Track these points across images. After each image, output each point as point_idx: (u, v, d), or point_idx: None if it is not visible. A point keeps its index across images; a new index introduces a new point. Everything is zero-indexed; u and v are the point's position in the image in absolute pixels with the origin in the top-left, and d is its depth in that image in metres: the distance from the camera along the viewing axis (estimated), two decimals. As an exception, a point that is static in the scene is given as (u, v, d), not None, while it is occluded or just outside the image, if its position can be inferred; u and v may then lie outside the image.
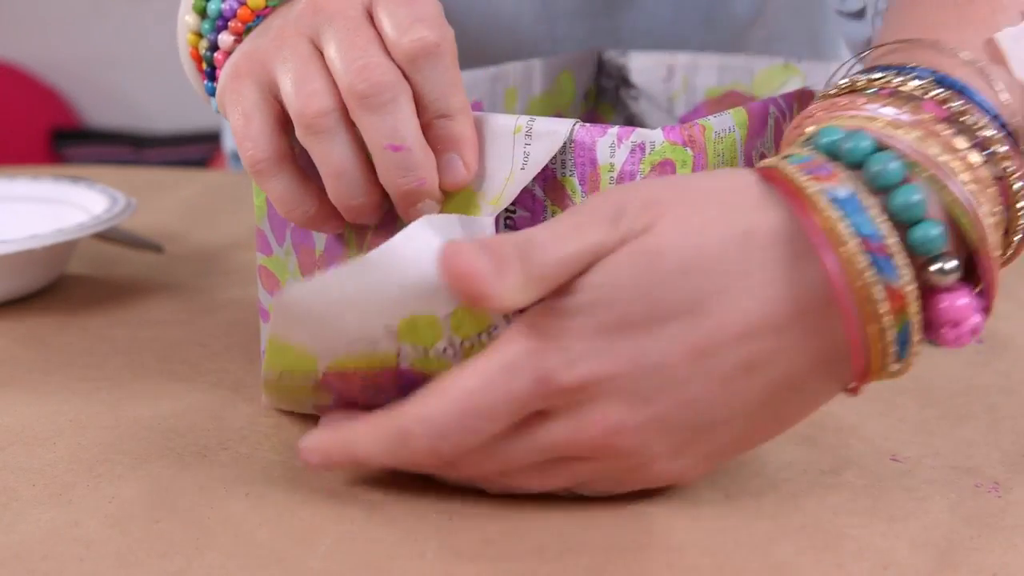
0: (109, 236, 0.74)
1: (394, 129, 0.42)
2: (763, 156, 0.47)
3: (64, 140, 2.61)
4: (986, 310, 0.39)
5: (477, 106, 0.59)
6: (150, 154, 2.61)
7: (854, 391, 0.40)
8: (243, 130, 0.44)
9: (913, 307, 0.37)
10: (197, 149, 2.60)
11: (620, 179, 0.42)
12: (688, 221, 0.38)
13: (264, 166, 0.44)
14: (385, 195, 0.44)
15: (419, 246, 0.40)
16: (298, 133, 0.43)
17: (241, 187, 0.93)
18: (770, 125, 0.48)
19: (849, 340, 0.38)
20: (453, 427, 0.39)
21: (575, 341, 0.38)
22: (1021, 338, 0.60)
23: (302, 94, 0.42)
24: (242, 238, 0.79)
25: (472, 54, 0.79)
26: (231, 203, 0.89)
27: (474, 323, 0.41)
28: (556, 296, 0.38)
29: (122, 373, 0.55)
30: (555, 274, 0.38)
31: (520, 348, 0.38)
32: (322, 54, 0.43)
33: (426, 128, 0.43)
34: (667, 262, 0.38)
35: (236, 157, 1.02)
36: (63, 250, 0.66)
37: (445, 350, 0.42)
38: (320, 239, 0.48)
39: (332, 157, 0.43)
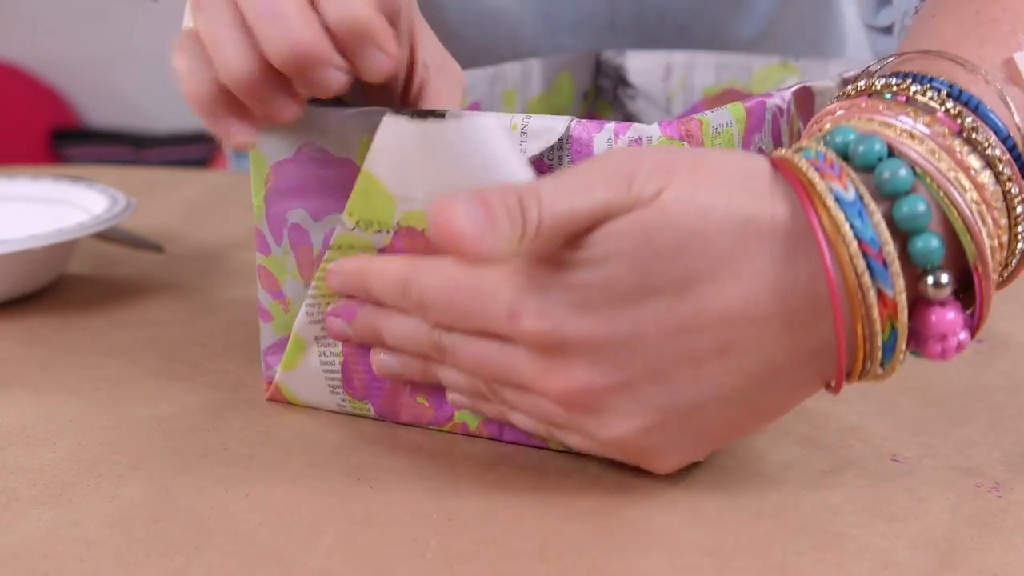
0: (109, 236, 0.74)
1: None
2: (760, 151, 0.47)
3: (64, 140, 2.61)
4: (974, 329, 0.40)
5: (475, 106, 0.59)
6: (150, 154, 2.61)
7: (835, 390, 0.40)
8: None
9: (903, 316, 0.38)
10: (197, 149, 2.60)
11: None
12: (695, 198, 0.38)
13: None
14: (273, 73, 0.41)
15: (490, 135, 0.41)
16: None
17: (241, 187, 0.93)
18: (768, 120, 0.48)
19: (836, 340, 0.38)
20: (440, 305, 0.42)
21: (555, 294, 0.39)
22: (1021, 338, 0.60)
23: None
24: (242, 238, 0.79)
25: (469, 61, 0.79)
26: (231, 203, 0.89)
27: None
28: (557, 246, 0.39)
29: (122, 373, 0.55)
30: (557, 226, 0.38)
31: (508, 278, 0.40)
32: None
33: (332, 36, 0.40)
34: (667, 238, 0.38)
35: (238, 156, 1.02)
36: (63, 250, 0.66)
37: None
38: (317, 238, 0.48)
39: (210, 27, 0.41)
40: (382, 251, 0.45)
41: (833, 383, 0.40)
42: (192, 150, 2.60)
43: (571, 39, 0.80)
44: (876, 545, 0.40)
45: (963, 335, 0.39)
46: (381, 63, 0.41)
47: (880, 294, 0.37)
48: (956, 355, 0.39)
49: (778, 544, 0.40)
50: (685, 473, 0.45)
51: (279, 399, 0.51)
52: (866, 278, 0.37)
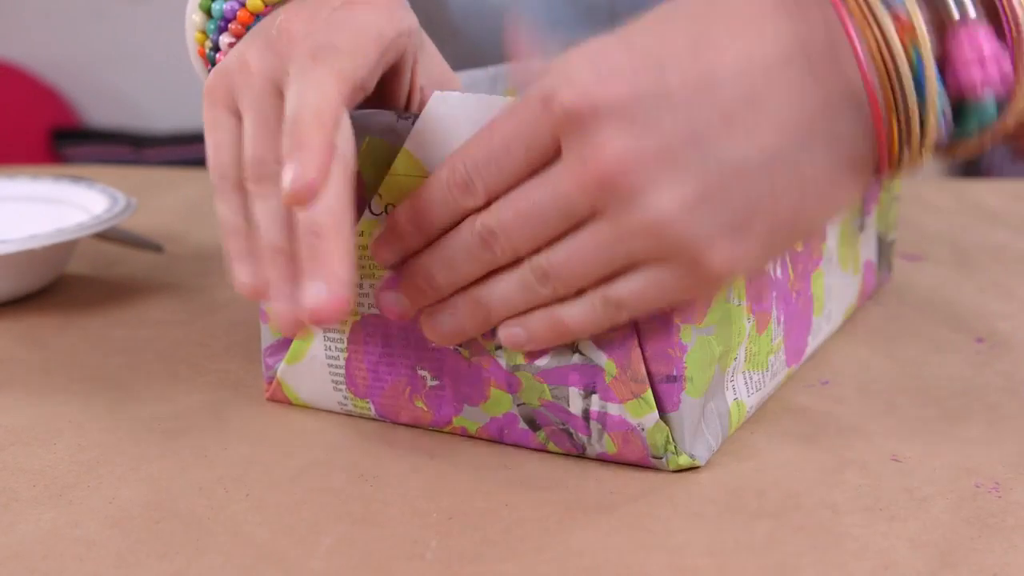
0: (109, 236, 0.74)
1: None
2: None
3: (64, 140, 2.61)
4: (1014, 59, 0.39)
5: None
6: (150, 154, 2.61)
7: (882, 151, 0.40)
8: (212, 156, 0.45)
9: (921, 34, 0.38)
10: (197, 149, 2.60)
11: None
12: None
13: (223, 189, 0.45)
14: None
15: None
16: (246, 181, 0.44)
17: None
18: None
19: (861, 76, 0.39)
20: (481, 157, 0.41)
21: (578, 68, 0.39)
22: (1020, 338, 0.60)
23: (255, 144, 0.43)
24: (242, 238, 0.79)
25: (472, 57, 0.79)
26: (231, 203, 0.89)
27: None
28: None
29: (122, 373, 0.55)
30: None
31: (534, 84, 0.40)
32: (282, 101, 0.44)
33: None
34: (680, 8, 0.40)
35: None
36: (63, 250, 0.66)
37: None
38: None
39: (259, 211, 0.43)
40: None
41: (878, 161, 0.40)
42: (192, 150, 2.60)
43: (572, 34, 0.80)
44: (876, 545, 0.40)
45: (1004, 63, 0.38)
46: (316, 303, 0.40)
47: (895, 17, 0.38)
48: (1002, 89, 0.39)
49: (778, 544, 0.40)
50: (685, 473, 0.45)
51: (279, 399, 0.51)
52: (879, 7, 0.38)
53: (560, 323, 0.43)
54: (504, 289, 0.43)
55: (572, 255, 0.41)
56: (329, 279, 0.39)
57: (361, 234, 0.46)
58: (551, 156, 0.40)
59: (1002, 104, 0.40)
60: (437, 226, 0.43)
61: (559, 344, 0.44)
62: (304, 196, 0.40)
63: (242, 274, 0.44)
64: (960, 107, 0.40)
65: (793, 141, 0.39)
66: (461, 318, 0.44)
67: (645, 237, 0.39)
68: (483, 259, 0.42)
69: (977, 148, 0.41)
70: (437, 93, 0.44)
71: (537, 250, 0.41)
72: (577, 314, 0.42)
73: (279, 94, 0.44)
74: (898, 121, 0.39)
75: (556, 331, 0.43)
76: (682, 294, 0.41)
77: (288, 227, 0.42)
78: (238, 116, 0.46)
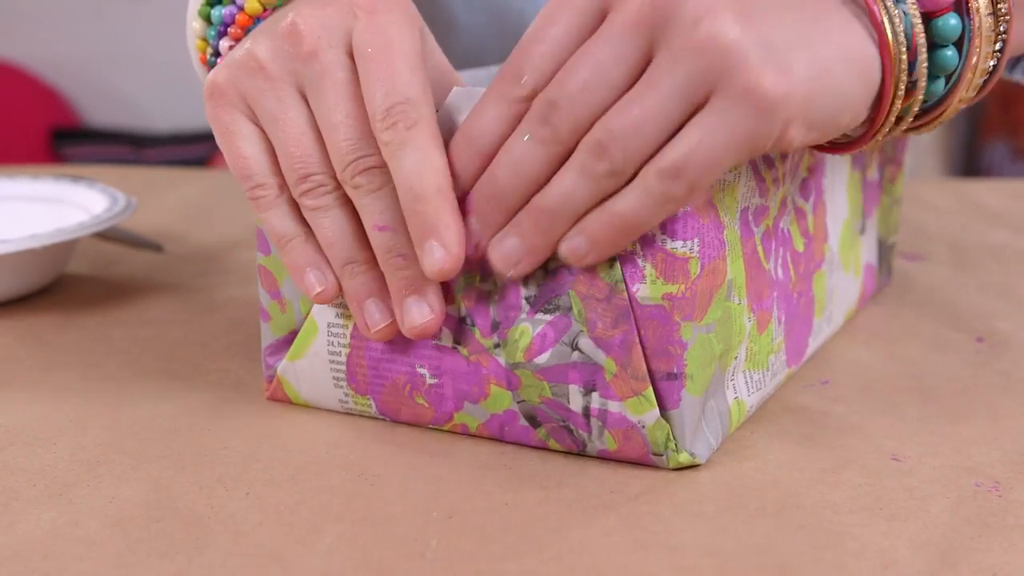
0: (109, 235, 0.74)
1: (382, 211, 0.44)
2: (766, 155, 0.47)
3: (64, 139, 2.61)
4: None
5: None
6: (150, 154, 2.61)
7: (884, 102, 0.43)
8: (243, 166, 0.47)
9: None
10: (197, 148, 2.60)
11: None
12: None
13: (266, 198, 0.47)
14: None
15: None
16: (294, 193, 0.45)
17: (240, 187, 0.93)
18: None
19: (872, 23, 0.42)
20: (527, 45, 0.42)
21: None
22: (1021, 337, 0.60)
23: (295, 158, 0.45)
24: (242, 237, 0.79)
25: (475, 53, 0.79)
26: (231, 202, 0.89)
27: None
28: None
29: (122, 372, 0.55)
30: None
31: None
32: (307, 103, 0.45)
33: (405, 214, 0.43)
34: None
35: None
36: (63, 249, 0.66)
37: None
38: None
39: (324, 226, 0.45)
40: None
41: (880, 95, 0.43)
42: (192, 150, 2.60)
43: None
44: (876, 544, 0.40)
45: None
46: (439, 262, 0.43)
47: None
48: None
49: (778, 543, 0.40)
50: (686, 472, 0.45)
51: (280, 398, 0.52)
52: None
53: (617, 216, 0.41)
54: (563, 184, 0.41)
55: (627, 113, 0.40)
56: (442, 238, 0.42)
57: None
58: (598, 23, 0.41)
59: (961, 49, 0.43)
60: (492, 136, 0.43)
61: (620, 247, 0.42)
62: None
63: (317, 283, 0.46)
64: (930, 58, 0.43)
65: (820, 13, 0.41)
66: (527, 234, 0.43)
67: (698, 56, 0.39)
68: (545, 141, 0.41)
69: (946, 108, 0.45)
70: (457, 88, 0.44)
71: (595, 121, 0.41)
72: (633, 201, 0.41)
73: (303, 99, 0.45)
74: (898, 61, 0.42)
75: (614, 227, 0.41)
76: (738, 140, 0.40)
77: (358, 237, 0.45)
78: (255, 121, 0.46)
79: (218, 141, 0.47)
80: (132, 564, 0.39)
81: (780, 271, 0.50)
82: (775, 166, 0.48)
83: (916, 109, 0.45)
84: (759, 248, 0.48)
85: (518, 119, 0.42)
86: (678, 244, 0.42)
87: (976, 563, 0.39)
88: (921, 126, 0.47)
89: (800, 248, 0.52)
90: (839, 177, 0.57)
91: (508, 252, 0.43)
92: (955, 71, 0.44)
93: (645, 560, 0.39)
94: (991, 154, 2.49)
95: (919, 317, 0.63)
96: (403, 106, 0.43)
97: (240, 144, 0.46)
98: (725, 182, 0.44)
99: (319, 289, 0.46)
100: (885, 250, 0.66)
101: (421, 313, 0.45)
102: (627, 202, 0.41)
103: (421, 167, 0.42)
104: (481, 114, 0.43)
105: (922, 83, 0.44)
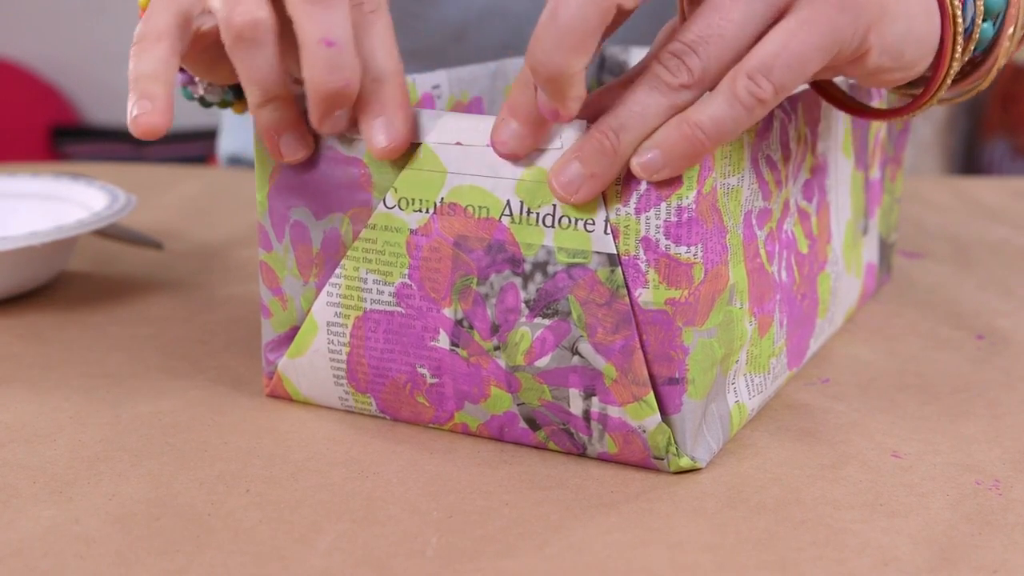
0: (109, 233, 0.74)
1: (332, 24, 0.42)
2: (768, 158, 0.47)
3: (64, 137, 2.61)
4: None
5: (477, 102, 0.59)
6: (150, 151, 2.61)
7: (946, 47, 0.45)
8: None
9: None
10: (196, 146, 2.60)
11: (627, 180, 0.42)
12: None
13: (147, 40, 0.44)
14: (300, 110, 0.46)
15: None
16: (225, 43, 0.43)
17: (241, 184, 0.93)
18: (775, 128, 0.48)
19: None
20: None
21: None
22: (1020, 335, 0.60)
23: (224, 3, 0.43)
24: (242, 235, 0.79)
25: (476, 54, 0.79)
26: (231, 200, 0.89)
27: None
28: None
29: (122, 370, 0.55)
30: None
31: None
32: None
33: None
34: None
35: (231, 160, 1.01)
36: (63, 247, 0.66)
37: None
38: (317, 237, 0.48)
39: (261, 68, 0.43)
40: (415, 232, 0.46)
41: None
42: (191, 147, 2.60)
43: None
44: (877, 541, 0.40)
45: None
46: (382, 142, 0.44)
47: None
48: None
49: (779, 539, 0.40)
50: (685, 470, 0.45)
51: (280, 394, 0.51)
52: None
53: (698, 126, 0.40)
54: (635, 100, 0.40)
55: (706, 20, 0.39)
56: (392, 117, 0.44)
57: (373, 227, 0.46)
58: None
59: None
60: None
61: (696, 160, 0.40)
62: (397, 152, 0.44)
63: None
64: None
65: None
66: (588, 158, 0.41)
67: None
68: (672, 69, 0.40)
69: (993, 61, 0.47)
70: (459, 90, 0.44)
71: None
72: (719, 107, 0.39)
73: None
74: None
75: (695, 139, 0.40)
76: (824, 36, 0.39)
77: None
78: None
79: None
80: (132, 562, 0.39)
81: (784, 274, 0.50)
82: (778, 168, 0.48)
83: (967, 56, 0.46)
84: (762, 251, 0.48)
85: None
86: (682, 249, 0.42)
87: (976, 560, 0.39)
88: (969, 85, 0.49)
89: (804, 250, 0.52)
90: (842, 178, 0.57)
91: (570, 178, 0.42)
92: (1000, 12, 0.47)
93: (645, 556, 0.39)
94: (991, 152, 2.49)
95: (919, 315, 0.63)
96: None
97: None
98: (729, 186, 0.44)
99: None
100: (885, 248, 0.66)
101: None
102: (712, 109, 0.39)
103: (385, 49, 0.44)
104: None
105: (979, 21, 0.45)
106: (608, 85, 0.45)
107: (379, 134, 0.44)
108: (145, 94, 0.43)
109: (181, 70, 0.51)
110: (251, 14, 0.42)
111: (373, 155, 0.45)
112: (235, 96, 0.52)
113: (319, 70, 0.42)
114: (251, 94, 0.44)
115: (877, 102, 0.58)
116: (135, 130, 0.42)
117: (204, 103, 0.53)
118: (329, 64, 0.42)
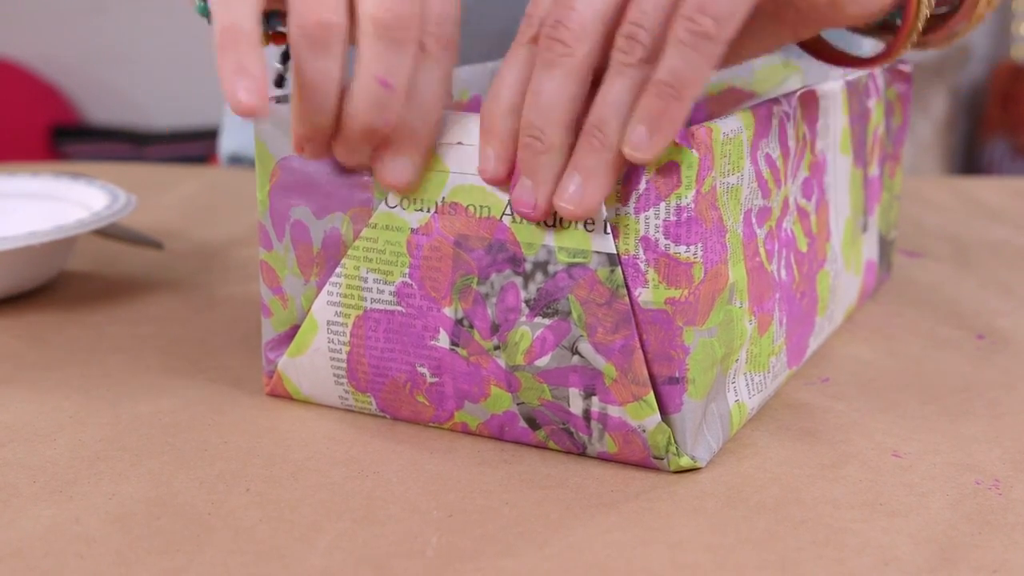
0: (109, 233, 0.74)
1: (395, 66, 0.42)
2: (768, 156, 0.47)
3: (64, 137, 2.61)
4: None
5: (476, 101, 0.59)
6: (150, 151, 2.61)
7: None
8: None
9: None
10: (197, 146, 2.60)
11: (626, 180, 0.42)
12: None
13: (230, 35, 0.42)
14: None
15: None
16: (292, 38, 0.42)
17: (241, 183, 0.93)
18: (774, 126, 0.48)
19: None
20: None
21: None
22: (1020, 335, 0.60)
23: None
24: (242, 234, 0.79)
25: (483, 51, 0.79)
26: (231, 200, 0.89)
27: None
28: None
29: (122, 369, 0.55)
30: None
31: None
32: None
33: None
34: None
35: (231, 160, 1.01)
36: (63, 247, 0.66)
37: None
38: (318, 236, 0.48)
39: (320, 73, 0.42)
40: (416, 231, 0.46)
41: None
42: (192, 147, 2.60)
43: None
44: (877, 541, 0.40)
45: None
46: (393, 179, 0.45)
47: None
48: None
49: (778, 539, 0.40)
50: (686, 471, 0.45)
51: (280, 393, 0.51)
52: None
53: (665, 84, 0.40)
54: (609, 93, 0.41)
55: None
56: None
57: (374, 226, 0.46)
58: None
59: None
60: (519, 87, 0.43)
61: (679, 120, 0.40)
62: (401, 192, 0.45)
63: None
64: None
65: None
66: (582, 163, 0.42)
67: None
68: (558, 63, 0.41)
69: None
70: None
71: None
72: (673, 60, 0.40)
73: None
74: None
75: (668, 96, 0.40)
76: None
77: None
78: None
79: None
80: (132, 561, 0.39)
81: (783, 272, 0.50)
82: (777, 166, 0.48)
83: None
84: (762, 250, 0.48)
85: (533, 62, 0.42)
86: (681, 249, 0.42)
87: (976, 560, 0.39)
88: (942, 34, 0.49)
89: (803, 248, 0.52)
90: (841, 176, 0.57)
91: (572, 190, 0.42)
92: None
93: (646, 556, 0.39)
94: (991, 152, 2.49)
95: (919, 314, 0.63)
96: (449, 22, 0.44)
97: None
98: (729, 185, 0.44)
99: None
100: (885, 245, 0.66)
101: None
102: (667, 63, 0.40)
103: (433, 94, 0.44)
104: (505, 68, 0.43)
105: None
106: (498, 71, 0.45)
107: (394, 172, 0.44)
108: (243, 72, 0.41)
109: None
110: (325, 16, 0.42)
111: (380, 184, 0.45)
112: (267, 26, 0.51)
113: (366, 105, 0.43)
114: (308, 101, 0.43)
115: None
116: (237, 109, 0.41)
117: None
118: (378, 104, 0.42)
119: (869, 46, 0.89)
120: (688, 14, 0.39)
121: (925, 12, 0.46)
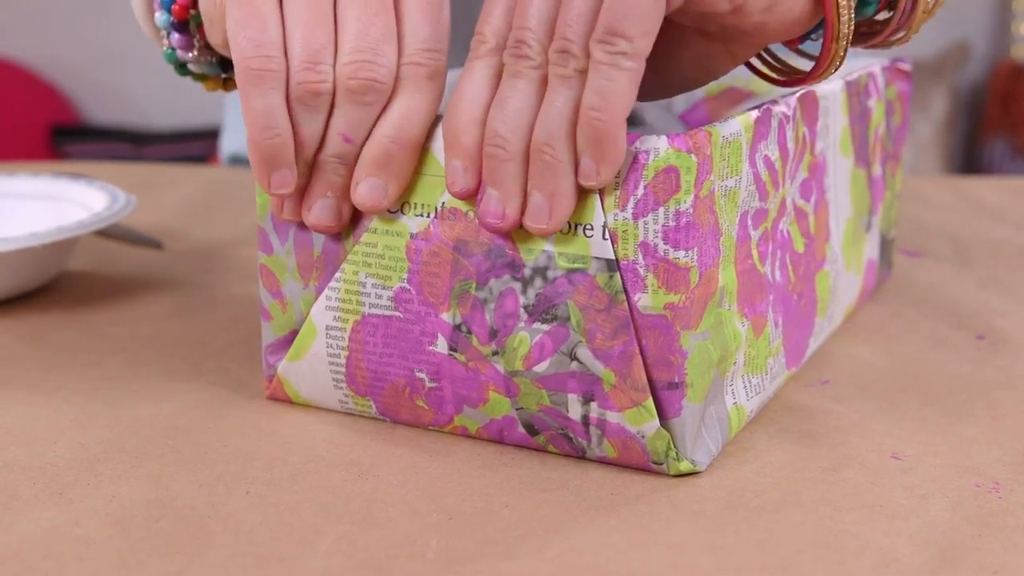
0: (109, 233, 0.74)
1: (357, 124, 0.44)
2: (767, 158, 0.47)
3: (64, 137, 2.61)
4: None
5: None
6: (150, 151, 2.61)
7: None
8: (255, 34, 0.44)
9: None
10: (197, 146, 2.60)
11: (624, 184, 0.42)
12: None
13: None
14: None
15: None
16: (292, 90, 0.44)
17: (241, 184, 0.93)
18: (774, 128, 0.48)
19: None
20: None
21: None
22: (1020, 335, 0.60)
23: (307, 53, 0.44)
24: (242, 235, 0.79)
25: (468, 36, 0.78)
26: (231, 200, 0.89)
27: None
28: None
29: (122, 371, 0.55)
30: None
31: None
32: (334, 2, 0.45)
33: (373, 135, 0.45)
34: None
35: (232, 160, 1.01)
36: (63, 247, 0.66)
37: None
38: (318, 240, 0.48)
39: (305, 128, 0.45)
40: (415, 236, 0.46)
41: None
42: (192, 147, 2.60)
43: None
44: (877, 543, 0.40)
45: None
46: (370, 202, 0.46)
47: None
48: None
49: (778, 541, 0.40)
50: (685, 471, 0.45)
51: (280, 397, 0.51)
52: None
53: (589, 111, 0.41)
54: (548, 104, 0.42)
55: (571, 7, 0.41)
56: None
57: (375, 231, 0.46)
58: None
59: None
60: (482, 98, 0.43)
61: (618, 141, 0.41)
62: (370, 212, 0.46)
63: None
64: None
65: None
66: (541, 180, 0.42)
67: None
68: (521, 73, 0.42)
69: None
70: None
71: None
72: (594, 84, 0.40)
73: None
74: None
75: (596, 124, 0.41)
76: None
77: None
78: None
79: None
80: (132, 564, 0.39)
81: (778, 273, 0.50)
82: (775, 168, 0.48)
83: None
84: (755, 252, 0.47)
85: (497, 74, 0.43)
86: (680, 254, 0.42)
87: (976, 562, 0.39)
88: (882, 37, 0.48)
89: (800, 249, 0.52)
90: (841, 176, 0.57)
91: (536, 209, 0.42)
92: None
93: (645, 558, 0.39)
94: (991, 151, 2.49)
95: (919, 315, 0.63)
96: (429, 55, 0.45)
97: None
98: (727, 188, 0.44)
99: None
100: (886, 244, 0.66)
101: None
102: (592, 86, 0.41)
103: (419, 117, 0.45)
104: (465, 82, 0.43)
105: None
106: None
107: (367, 194, 0.45)
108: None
109: (181, 32, 0.51)
110: (319, 78, 0.44)
111: (353, 201, 0.46)
112: (222, 70, 0.52)
113: (327, 158, 0.45)
114: (331, 143, 0.45)
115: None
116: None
117: (181, 70, 0.53)
118: (337, 156, 0.45)
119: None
120: (602, 37, 0.40)
121: (845, 31, 0.45)
